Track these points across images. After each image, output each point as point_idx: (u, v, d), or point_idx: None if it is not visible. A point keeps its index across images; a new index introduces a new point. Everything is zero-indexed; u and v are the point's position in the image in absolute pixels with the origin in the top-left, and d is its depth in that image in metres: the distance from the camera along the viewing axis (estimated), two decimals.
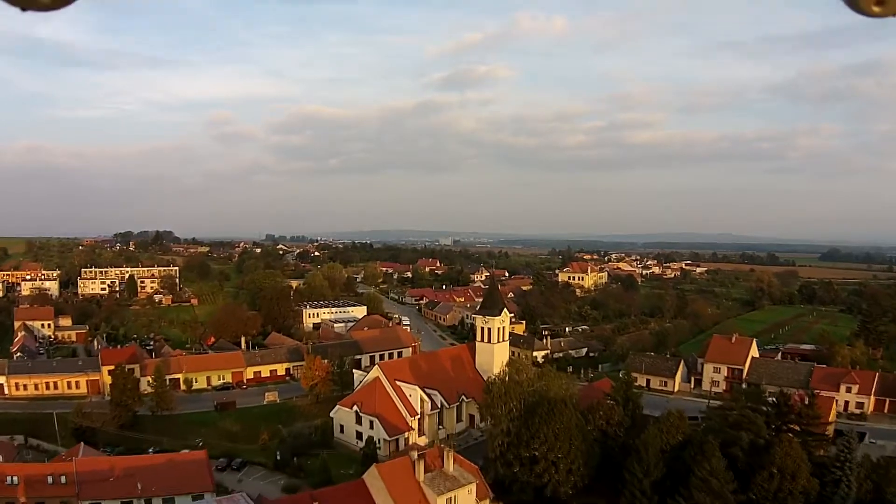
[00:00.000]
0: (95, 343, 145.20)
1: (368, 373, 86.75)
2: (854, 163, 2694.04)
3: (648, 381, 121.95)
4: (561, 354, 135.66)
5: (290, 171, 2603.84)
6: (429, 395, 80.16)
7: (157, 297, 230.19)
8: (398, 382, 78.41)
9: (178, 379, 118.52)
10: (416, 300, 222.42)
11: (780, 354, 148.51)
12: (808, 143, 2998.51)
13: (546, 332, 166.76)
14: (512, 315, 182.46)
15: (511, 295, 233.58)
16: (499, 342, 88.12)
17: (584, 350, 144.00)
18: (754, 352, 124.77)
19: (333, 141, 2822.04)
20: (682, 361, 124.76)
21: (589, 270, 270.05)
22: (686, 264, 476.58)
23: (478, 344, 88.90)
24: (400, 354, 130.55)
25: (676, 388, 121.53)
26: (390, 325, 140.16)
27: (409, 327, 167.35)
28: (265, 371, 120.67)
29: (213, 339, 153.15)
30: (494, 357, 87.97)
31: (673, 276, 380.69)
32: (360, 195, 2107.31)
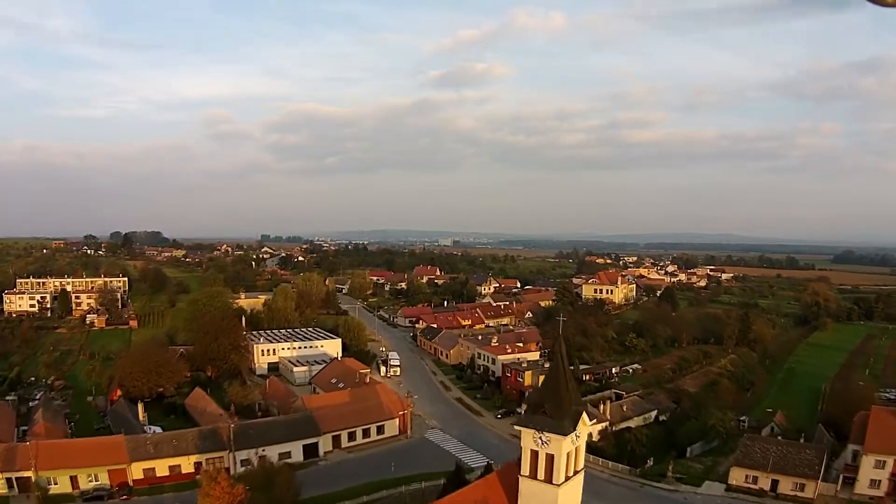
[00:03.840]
0: None
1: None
2: (855, 162, 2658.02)
3: (775, 482, 76.75)
4: (629, 425, 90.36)
5: (288, 170, 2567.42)
6: None
7: (89, 318, 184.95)
8: None
9: (30, 479, 73.66)
10: (410, 322, 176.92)
11: None
12: (809, 143, 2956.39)
13: (588, 377, 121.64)
14: (543, 350, 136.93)
15: (529, 314, 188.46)
16: (567, 479, 42.87)
17: (653, 413, 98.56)
18: None
19: (331, 140, 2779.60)
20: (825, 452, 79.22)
21: (619, 282, 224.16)
22: (711, 270, 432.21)
23: (524, 482, 43.34)
24: (381, 431, 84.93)
25: (816, 493, 76.17)
26: (367, 378, 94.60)
27: (398, 369, 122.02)
28: (162, 468, 74.92)
29: (118, 392, 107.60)
30: None
31: (705, 284, 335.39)
32: (359, 195, 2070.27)
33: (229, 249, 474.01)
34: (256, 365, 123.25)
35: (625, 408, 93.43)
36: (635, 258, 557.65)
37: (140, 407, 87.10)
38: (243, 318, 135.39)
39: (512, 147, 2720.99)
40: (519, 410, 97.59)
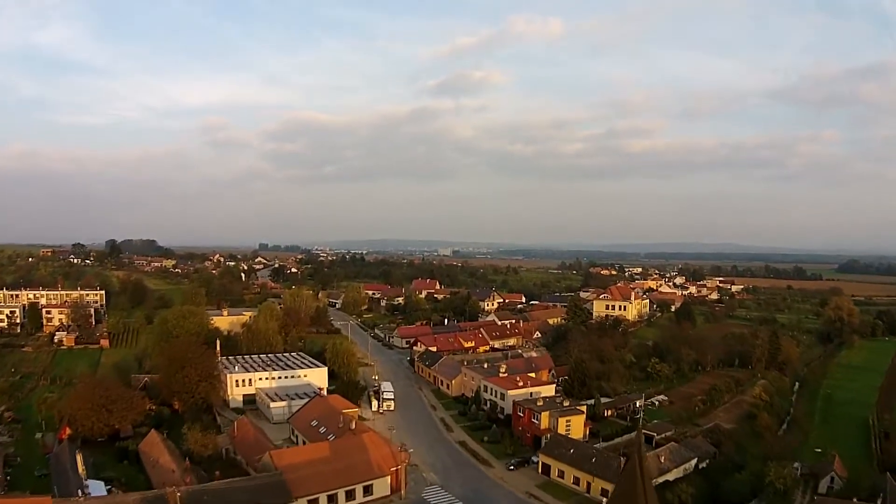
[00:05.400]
0: None
1: None
2: (856, 170, 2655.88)
3: None
4: (667, 478, 74.73)
5: (286, 178, 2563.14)
6: None
7: (57, 336, 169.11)
8: None
9: None
10: (407, 343, 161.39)
11: None
12: (810, 150, 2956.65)
13: (610, 412, 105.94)
14: (557, 380, 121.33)
15: (538, 335, 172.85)
16: None
17: (693, 461, 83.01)
18: None
19: (328, 148, 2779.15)
20: None
21: (632, 297, 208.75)
22: (720, 281, 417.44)
23: None
24: (368, 492, 69.17)
25: None
26: (353, 423, 78.80)
27: (392, 403, 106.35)
28: None
29: (67, 431, 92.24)
30: None
31: (717, 297, 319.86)
32: (358, 204, 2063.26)
33: (221, 259, 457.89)
34: (230, 397, 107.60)
35: (662, 458, 77.88)
36: (640, 269, 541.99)
37: (79, 458, 71.42)
38: (217, 342, 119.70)
39: (510, 156, 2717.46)
40: (535, 459, 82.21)
